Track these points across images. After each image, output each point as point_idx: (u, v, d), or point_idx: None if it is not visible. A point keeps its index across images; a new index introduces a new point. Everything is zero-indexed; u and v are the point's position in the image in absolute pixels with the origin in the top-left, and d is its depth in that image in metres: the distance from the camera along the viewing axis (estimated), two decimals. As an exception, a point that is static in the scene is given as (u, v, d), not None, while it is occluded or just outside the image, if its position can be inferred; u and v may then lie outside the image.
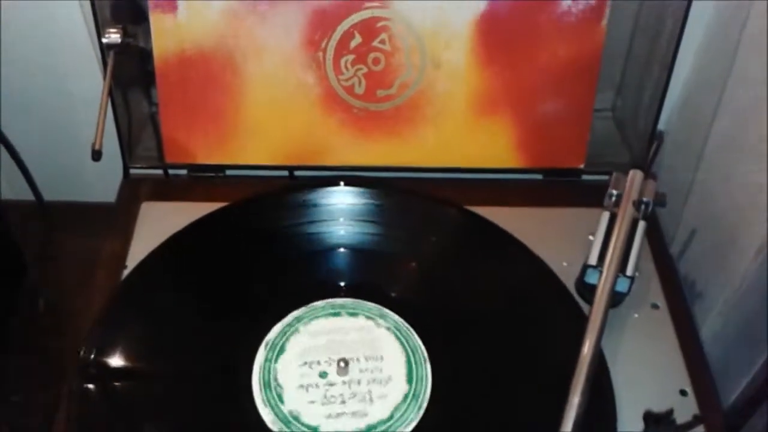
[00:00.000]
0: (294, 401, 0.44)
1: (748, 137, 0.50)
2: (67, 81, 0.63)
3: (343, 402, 0.44)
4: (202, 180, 0.57)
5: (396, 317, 0.47)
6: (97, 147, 0.48)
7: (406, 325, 0.47)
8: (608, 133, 0.61)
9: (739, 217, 0.51)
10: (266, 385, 0.44)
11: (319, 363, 0.45)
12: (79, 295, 0.57)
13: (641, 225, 0.45)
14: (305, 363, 0.45)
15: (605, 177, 0.53)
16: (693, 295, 0.57)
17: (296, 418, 0.43)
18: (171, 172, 0.58)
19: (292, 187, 0.54)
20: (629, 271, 0.44)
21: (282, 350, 0.46)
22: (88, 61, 0.61)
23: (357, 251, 0.50)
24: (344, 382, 0.44)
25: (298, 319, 0.47)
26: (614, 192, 0.47)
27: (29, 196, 0.67)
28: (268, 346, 0.46)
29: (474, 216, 0.51)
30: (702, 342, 0.52)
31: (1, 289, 0.57)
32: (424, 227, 0.50)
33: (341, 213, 0.52)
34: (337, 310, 0.48)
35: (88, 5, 0.52)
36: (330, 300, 0.48)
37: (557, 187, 0.57)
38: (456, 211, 0.51)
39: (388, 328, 0.47)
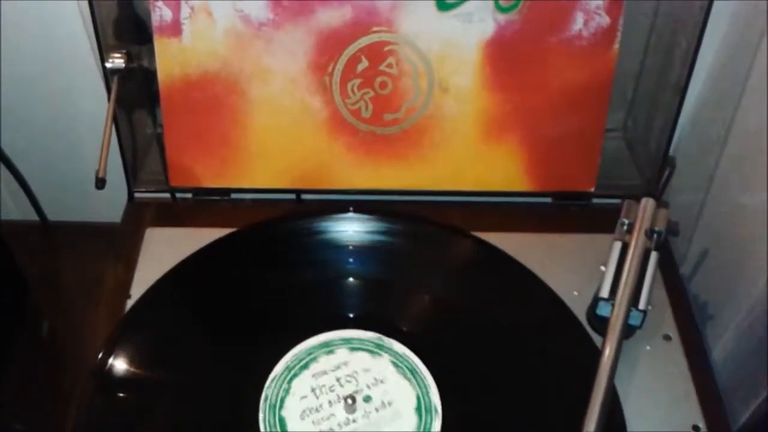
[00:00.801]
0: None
1: (760, 159, 0.49)
2: (71, 99, 0.63)
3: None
4: (207, 203, 0.56)
5: (404, 349, 0.47)
6: (100, 175, 0.47)
7: (415, 358, 0.46)
8: (619, 154, 0.60)
9: (750, 239, 0.50)
10: (272, 423, 0.44)
11: (327, 401, 0.44)
12: (83, 319, 0.57)
13: (654, 256, 0.45)
14: (313, 396, 0.44)
15: (616, 201, 0.52)
16: (704, 317, 0.56)
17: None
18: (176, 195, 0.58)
19: (299, 215, 0.53)
20: (642, 305, 0.43)
21: (288, 390, 0.45)
22: (92, 79, 0.61)
23: (365, 280, 0.49)
24: (353, 420, 0.44)
25: (304, 355, 0.46)
26: (626, 221, 0.46)
27: (35, 215, 0.67)
28: (275, 382, 0.45)
29: (483, 244, 0.50)
30: (713, 363, 0.51)
31: (3, 312, 0.57)
32: (433, 256, 0.49)
33: (350, 240, 0.51)
34: (343, 343, 0.47)
35: (91, 24, 0.52)
36: (337, 332, 0.47)
37: (567, 210, 0.56)
38: (466, 240, 0.50)
39: (396, 363, 0.46)
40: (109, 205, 0.61)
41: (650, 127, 0.58)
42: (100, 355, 0.45)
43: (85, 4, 0.51)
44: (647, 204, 0.46)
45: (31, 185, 0.65)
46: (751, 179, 0.51)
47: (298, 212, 0.53)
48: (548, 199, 0.57)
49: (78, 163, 0.66)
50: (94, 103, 0.61)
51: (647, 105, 0.59)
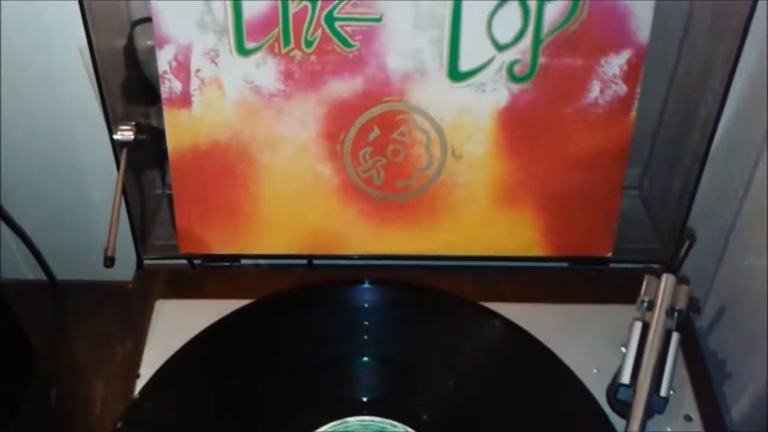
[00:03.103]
0: None
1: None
2: (79, 156, 0.63)
3: None
4: (217, 270, 0.56)
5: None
6: (109, 253, 0.47)
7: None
8: (635, 213, 0.59)
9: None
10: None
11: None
12: (93, 389, 0.56)
13: (675, 338, 0.43)
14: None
15: (634, 265, 0.51)
16: (722, 375, 0.55)
17: None
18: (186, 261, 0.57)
19: (311, 287, 0.52)
20: (663, 392, 0.42)
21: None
22: (99, 135, 0.60)
23: (379, 360, 0.48)
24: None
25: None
26: (646, 299, 0.45)
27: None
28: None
29: (502, 321, 0.49)
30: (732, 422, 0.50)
31: (8, 379, 0.56)
32: (450, 333, 0.48)
33: (365, 314, 0.50)
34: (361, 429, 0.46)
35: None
36: (351, 419, 0.46)
37: (584, 275, 0.55)
38: (483, 316, 0.49)
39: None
40: (119, 262, 0.60)
41: (668, 187, 0.57)
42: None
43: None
44: (667, 281, 0.45)
45: (39, 243, 0.65)
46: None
47: (306, 286, 0.52)
48: (564, 264, 0.56)
49: (87, 220, 0.66)
50: (103, 158, 0.60)
51: (664, 163, 0.58)
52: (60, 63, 0.57)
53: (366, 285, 0.50)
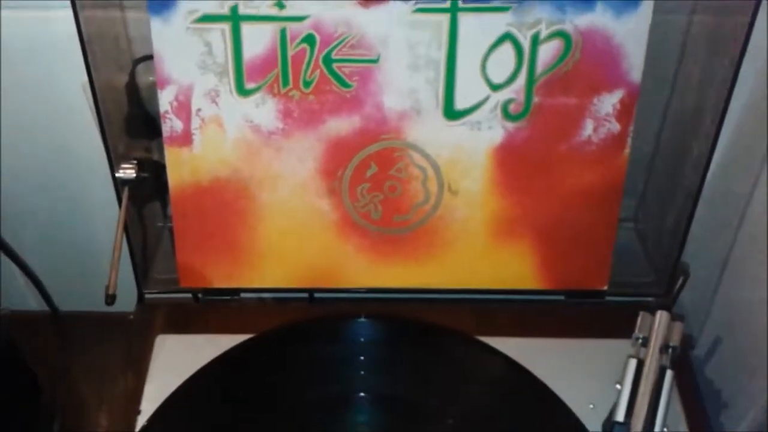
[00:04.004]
0: None
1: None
2: (82, 189, 0.63)
3: None
4: (217, 304, 0.56)
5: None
6: (110, 291, 0.47)
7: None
8: (630, 246, 0.60)
9: (765, 329, 0.50)
10: None
11: None
12: (97, 421, 0.57)
13: (669, 375, 0.44)
14: None
15: (629, 299, 0.52)
16: (719, 405, 0.55)
17: None
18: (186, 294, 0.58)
19: (307, 323, 0.53)
20: (657, 429, 0.42)
21: None
22: (102, 168, 0.61)
23: (376, 396, 0.48)
24: None
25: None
26: (640, 335, 0.46)
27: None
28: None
29: (499, 356, 0.49)
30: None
31: (12, 412, 0.57)
32: (447, 369, 0.49)
33: (361, 350, 0.50)
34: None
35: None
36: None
37: (580, 308, 0.56)
38: (480, 352, 0.50)
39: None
40: (121, 292, 0.61)
41: (663, 219, 0.57)
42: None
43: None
44: (661, 318, 0.46)
45: (43, 275, 0.66)
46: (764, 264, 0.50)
47: (304, 322, 0.53)
48: (561, 297, 0.56)
49: (90, 251, 0.67)
50: (106, 191, 0.61)
51: (659, 196, 0.58)
52: (63, 98, 0.58)
53: (363, 319, 0.51)
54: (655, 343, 0.45)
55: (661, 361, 0.45)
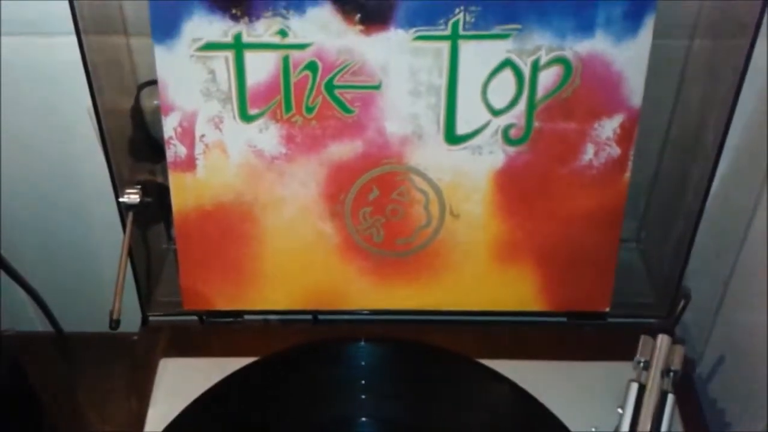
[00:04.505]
0: None
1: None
2: (87, 211, 0.64)
3: None
4: (221, 326, 0.56)
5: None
6: (115, 317, 0.48)
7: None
8: (632, 266, 0.60)
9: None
10: None
11: None
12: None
13: (670, 400, 0.44)
14: None
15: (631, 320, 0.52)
16: (722, 424, 0.55)
17: None
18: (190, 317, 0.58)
19: (310, 347, 0.53)
20: (659, 454, 0.43)
21: None
22: (107, 191, 0.61)
23: (377, 420, 0.49)
24: None
25: None
26: (642, 359, 0.46)
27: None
28: None
29: (500, 380, 0.50)
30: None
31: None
32: (448, 392, 0.49)
33: (360, 373, 0.51)
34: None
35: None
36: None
37: (582, 330, 0.56)
38: (483, 376, 0.50)
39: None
40: (125, 312, 0.61)
41: (664, 241, 0.58)
42: None
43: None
44: (662, 342, 0.46)
45: (48, 296, 0.66)
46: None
47: (307, 345, 0.53)
48: (563, 318, 0.56)
49: (95, 273, 0.67)
50: (111, 213, 0.61)
51: (661, 218, 0.59)
52: (68, 121, 0.58)
53: (362, 343, 0.51)
54: (656, 367, 0.45)
55: (662, 385, 0.45)
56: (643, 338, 0.47)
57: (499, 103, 0.49)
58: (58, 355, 0.65)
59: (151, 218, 0.60)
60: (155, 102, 0.54)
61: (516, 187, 0.51)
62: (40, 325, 0.69)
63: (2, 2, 0.52)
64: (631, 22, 0.46)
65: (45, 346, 0.66)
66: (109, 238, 0.64)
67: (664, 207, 0.58)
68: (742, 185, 0.54)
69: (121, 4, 0.52)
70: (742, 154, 0.54)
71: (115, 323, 0.48)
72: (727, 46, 0.50)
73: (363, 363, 0.50)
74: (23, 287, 0.64)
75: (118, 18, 0.53)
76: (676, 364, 0.45)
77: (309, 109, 0.49)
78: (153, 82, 0.52)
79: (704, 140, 0.52)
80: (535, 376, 0.50)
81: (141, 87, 0.55)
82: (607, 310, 0.55)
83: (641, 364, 0.46)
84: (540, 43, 0.47)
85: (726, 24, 0.50)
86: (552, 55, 0.47)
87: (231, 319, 0.56)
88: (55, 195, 0.63)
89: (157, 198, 0.58)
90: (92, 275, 0.67)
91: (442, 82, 0.48)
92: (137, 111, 0.56)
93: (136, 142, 0.57)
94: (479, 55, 0.47)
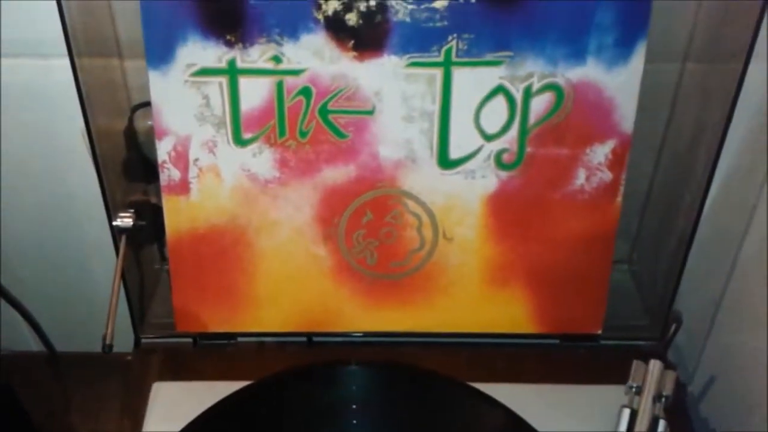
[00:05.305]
0: None
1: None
2: (81, 231, 0.64)
3: None
4: (214, 349, 0.56)
5: None
6: (108, 341, 0.48)
7: None
8: (624, 288, 0.60)
9: (759, 373, 0.50)
10: None
11: None
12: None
13: (662, 426, 0.44)
14: None
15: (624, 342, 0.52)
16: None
17: None
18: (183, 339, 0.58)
19: (299, 371, 0.53)
20: (651, 481, 0.43)
21: None
22: (101, 212, 0.62)
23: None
24: None
25: None
26: (634, 384, 0.46)
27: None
28: None
29: (494, 405, 0.50)
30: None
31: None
32: (442, 417, 0.49)
33: (353, 397, 0.51)
34: None
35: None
36: None
37: (574, 351, 0.56)
38: (476, 401, 0.50)
39: None
40: (118, 331, 0.61)
41: (656, 263, 0.58)
42: None
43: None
44: (654, 368, 0.46)
45: (42, 316, 0.66)
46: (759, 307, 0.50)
47: (297, 369, 0.53)
48: (556, 340, 0.57)
49: (88, 293, 0.67)
50: (105, 233, 0.61)
51: (653, 240, 0.59)
52: (63, 142, 0.58)
53: (354, 367, 0.51)
54: (648, 393, 0.45)
55: (654, 411, 0.45)
56: (635, 363, 0.47)
57: (491, 129, 0.49)
58: (51, 374, 0.65)
59: (144, 239, 0.60)
60: (149, 123, 0.54)
61: (508, 211, 0.52)
62: (35, 344, 0.69)
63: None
64: (623, 49, 0.46)
65: (38, 366, 0.66)
66: (102, 257, 0.64)
67: (655, 228, 0.59)
68: (734, 207, 0.54)
69: (115, 26, 0.53)
70: (733, 176, 0.54)
71: (108, 348, 0.48)
72: (718, 70, 0.50)
73: (354, 387, 0.50)
74: (15, 306, 0.64)
75: (112, 40, 0.53)
76: (668, 390, 0.46)
77: (303, 134, 0.50)
78: (147, 104, 0.52)
79: (696, 163, 0.52)
80: (527, 400, 0.50)
81: (135, 109, 0.55)
82: (600, 332, 0.55)
83: (633, 389, 0.47)
84: (532, 70, 0.47)
85: (718, 48, 0.50)
86: (544, 81, 0.47)
87: (224, 342, 0.57)
88: (48, 214, 0.63)
89: (151, 218, 0.58)
90: (85, 295, 0.67)
91: (435, 107, 0.48)
92: (131, 132, 0.56)
93: (130, 163, 0.57)
94: (472, 82, 0.47)
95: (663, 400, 0.46)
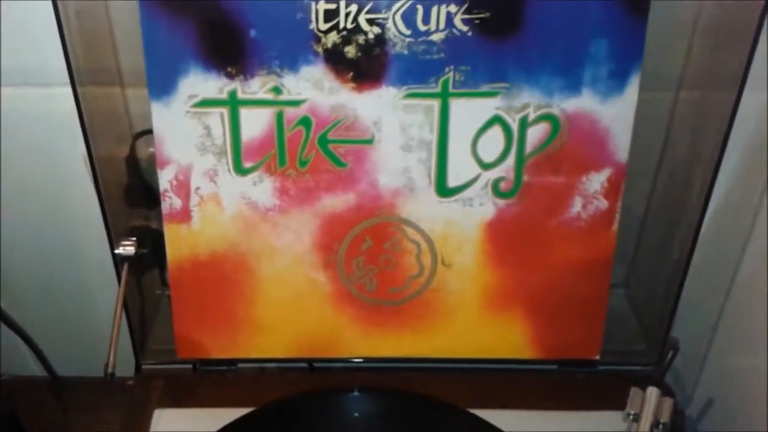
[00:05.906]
0: None
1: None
2: (83, 257, 0.64)
3: None
4: (214, 374, 0.57)
5: None
6: (110, 370, 0.48)
7: None
8: (622, 312, 0.61)
9: (756, 394, 0.50)
10: None
11: None
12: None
13: (660, 454, 0.45)
14: None
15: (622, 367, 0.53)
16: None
17: None
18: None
19: (298, 398, 0.53)
20: None
21: None
22: (103, 237, 0.62)
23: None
24: None
25: None
26: (631, 411, 0.47)
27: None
28: None
29: (492, 430, 0.50)
30: None
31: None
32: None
33: (354, 424, 0.51)
34: None
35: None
36: None
37: (573, 377, 0.57)
38: (476, 426, 0.50)
39: None
40: (120, 355, 0.61)
41: (653, 287, 0.59)
42: None
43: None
44: (652, 395, 0.46)
45: (41, 340, 0.67)
46: (756, 328, 0.51)
47: (298, 397, 0.53)
48: (554, 366, 0.57)
49: (90, 318, 0.67)
50: (106, 259, 0.61)
51: (649, 264, 0.59)
52: (65, 168, 0.59)
53: (356, 393, 0.51)
54: (646, 420, 0.45)
55: (652, 439, 0.45)
56: (632, 391, 0.47)
57: (488, 158, 0.50)
58: (53, 399, 0.65)
59: (145, 265, 0.60)
60: (150, 149, 0.55)
61: (506, 238, 0.52)
62: (37, 369, 0.69)
63: (2, 53, 0.53)
64: (617, 80, 0.47)
65: (40, 390, 0.66)
66: (104, 282, 0.64)
67: (652, 254, 0.59)
68: (730, 231, 0.55)
69: (117, 55, 0.53)
70: (729, 202, 0.55)
71: (110, 376, 0.49)
72: (713, 98, 0.51)
73: (356, 414, 0.51)
74: (16, 331, 0.64)
75: (114, 69, 0.54)
76: (665, 417, 0.46)
77: (302, 163, 0.50)
78: (149, 131, 0.53)
79: (691, 189, 0.53)
80: (527, 427, 0.51)
81: (137, 136, 0.56)
82: (597, 357, 0.56)
83: (631, 416, 0.47)
84: (528, 101, 0.48)
85: (712, 75, 0.51)
86: (540, 112, 0.48)
87: (225, 368, 0.57)
88: (50, 239, 0.64)
89: (152, 244, 0.58)
90: (86, 319, 0.67)
91: (433, 137, 0.49)
92: (133, 159, 0.57)
93: (132, 189, 0.57)
94: (469, 112, 0.48)
95: (660, 427, 0.46)
